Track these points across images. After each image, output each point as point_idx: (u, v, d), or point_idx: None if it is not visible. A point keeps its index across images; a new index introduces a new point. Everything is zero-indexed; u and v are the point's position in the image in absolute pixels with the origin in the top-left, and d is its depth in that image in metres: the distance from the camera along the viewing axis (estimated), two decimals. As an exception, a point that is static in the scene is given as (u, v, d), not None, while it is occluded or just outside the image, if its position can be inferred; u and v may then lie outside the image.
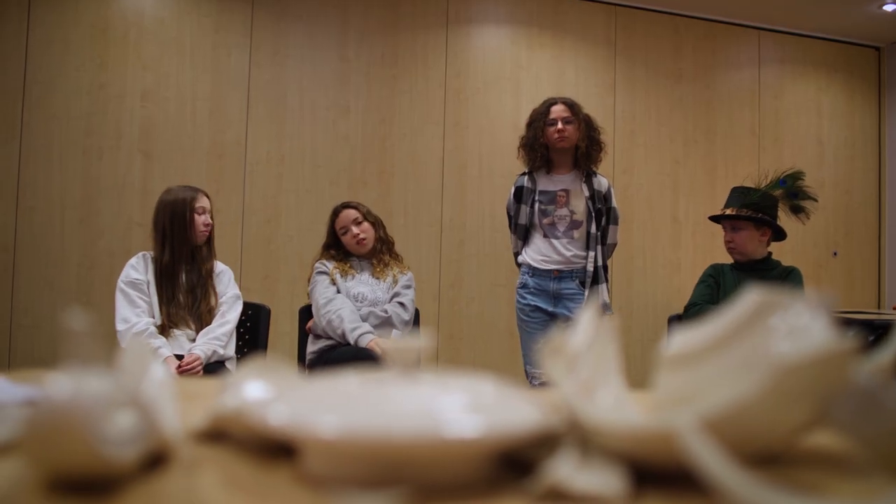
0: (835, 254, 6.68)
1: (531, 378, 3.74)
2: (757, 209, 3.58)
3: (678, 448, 0.43)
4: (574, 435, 0.50)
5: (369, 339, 3.45)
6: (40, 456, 0.42)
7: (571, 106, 3.77)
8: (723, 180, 6.39)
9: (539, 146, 3.79)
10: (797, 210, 3.71)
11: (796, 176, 3.72)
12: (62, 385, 0.41)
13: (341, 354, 3.44)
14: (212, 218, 3.47)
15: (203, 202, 3.42)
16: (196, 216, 3.38)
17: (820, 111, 6.76)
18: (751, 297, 0.53)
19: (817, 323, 0.51)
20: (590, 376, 0.57)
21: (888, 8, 6.17)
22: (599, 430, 0.48)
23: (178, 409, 0.57)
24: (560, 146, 3.74)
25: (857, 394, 0.48)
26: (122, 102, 5.09)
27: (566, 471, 0.45)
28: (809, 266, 6.45)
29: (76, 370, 0.43)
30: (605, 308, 3.73)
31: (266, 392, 0.57)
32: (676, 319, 3.95)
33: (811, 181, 6.50)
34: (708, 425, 0.45)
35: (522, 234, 3.86)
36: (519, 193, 3.87)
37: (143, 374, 0.56)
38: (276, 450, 0.53)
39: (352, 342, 3.45)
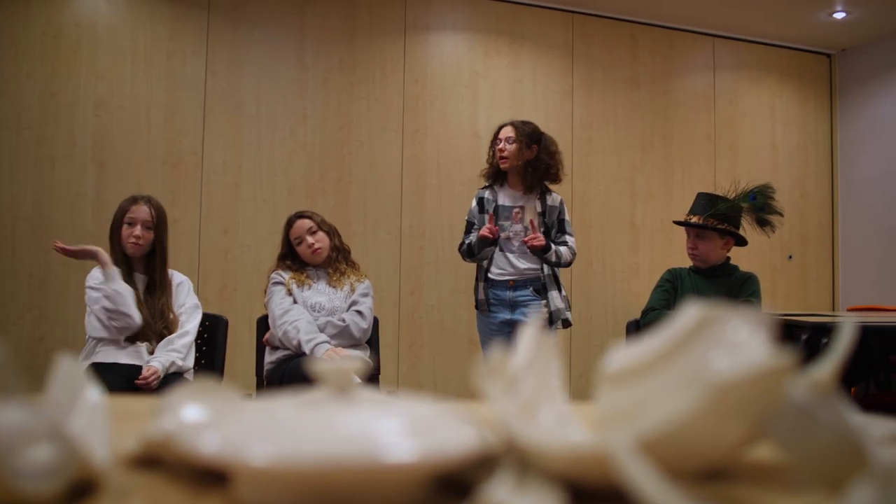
0: (790, 257, 6.78)
1: None
2: (723, 219, 3.61)
3: (613, 468, 0.42)
4: (512, 456, 0.50)
5: (325, 349, 3.43)
6: (-49, 492, 0.41)
7: (517, 127, 3.95)
8: (679, 185, 6.46)
9: (494, 164, 4.02)
10: (763, 223, 3.75)
11: (766, 193, 3.77)
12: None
13: (299, 365, 3.41)
14: (157, 231, 3.38)
15: (136, 213, 3.31)
16: (124, 226, 3.32)
17: (774, 116, 6.87)
18: (691, 312, 0.53)
19: (755, 338, 0.51)
20: (531, 395, 0.56)
21: (838, 16, 6.29)
22: (536, 450, 0.47)
23: (111, 434, 0.55)
24: (502, 165, 3.96)
25: (794, 409, 0.47)
26: (74, 111, 5.01)
27: (502, 493, 0.44)
28: (766, 269, 6.53)
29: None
30: (558, 315, 3.87)
31: (200, 416, 0.55)
32: (635, 324, 3.98)
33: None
34: (643, 444, 0.44)
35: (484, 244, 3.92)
36: (481, 203, 4.04)
37: (74, 398, 0.54)
38: (210, 477, 0.51)
39: (307, 353, 3.43)
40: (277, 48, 5.49)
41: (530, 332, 0.60)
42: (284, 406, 0.50)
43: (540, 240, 3.79)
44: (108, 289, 3.16)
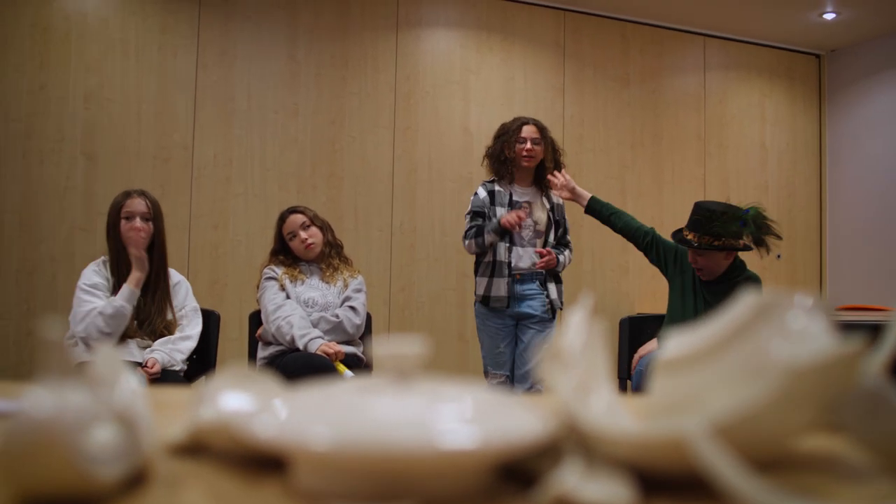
0: (778, 256, 6.80)
1: (490, 378, 3.99)
2: (719, 236, 3.53)
3: (689, 455, 0.41)
4: (575, 442, 0.49)
5: (319, 343, 3.42)
6: (18, 474, 0.39)
7: (542, 129, 4.02)
8: (669, 184, 6.48)
9: (505, 159, 3.99)
10: (760, 243, 3.67)
11: (758, 221, 3.65)
12: (42, 399, 0.38)
13: (292, 360, 3.40)
14: (155, 224, 3.33)
15: (133, 206, 3.27)
16: (123, 221, 3.28)
17: (763, 116, 6.89)
18: (747, 300, 0.52)
19: (816, 325, 0.50)
20: (583, 380, 0.55)
21: (828, 17, 6.31)
22: (605, 437, 0.46)
23: (153, 422, 0.54)
24: (525, 164, 3.98)
25: (864, 396, 0.47)
26: (64, 104, 4.97)
27: (573, 481, 0.43)
28: (754, 269, 6.48)
29: (54, 383, 0.40)
30: (557, 305, 4.06)
31: (248, 403, 0.54)
32: (626, 322, 4.00)
33: (755, 185, 6.64)
34: (717, 431, 0.43)
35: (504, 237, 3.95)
36: (493, 197, 4.01)
37: (116, 385, 0.53)
38: (263, 463, 0.50)
39: (301, 348, 3.41)
40: (269, 42, 5.45)
41: (580, 319, 0.59)
42: (343, 391, 0.49)
43: (553, 261, 3.91)
44: (122, 305, 3.15)
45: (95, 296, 3.20)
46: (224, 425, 0.51)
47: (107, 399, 0.43)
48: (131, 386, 0.55)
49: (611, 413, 0.56)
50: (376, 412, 0.45)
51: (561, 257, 4.01)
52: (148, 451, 0.48)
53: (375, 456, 0.42)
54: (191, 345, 3.33)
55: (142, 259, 3.20)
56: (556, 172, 3.96)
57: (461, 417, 0.45)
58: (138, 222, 3.26)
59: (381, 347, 0.49)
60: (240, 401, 0.54)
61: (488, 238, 3.90)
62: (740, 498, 0.39)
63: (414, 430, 0.43)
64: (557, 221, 4.07)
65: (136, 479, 0.46)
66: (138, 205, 3.28)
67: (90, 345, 3.11)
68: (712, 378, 0.51)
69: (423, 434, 0.43)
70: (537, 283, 3.97)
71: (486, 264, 3.97)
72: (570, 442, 0.49)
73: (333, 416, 0.45)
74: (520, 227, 3.87)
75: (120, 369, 0.56)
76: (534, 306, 3.95)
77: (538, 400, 0.59)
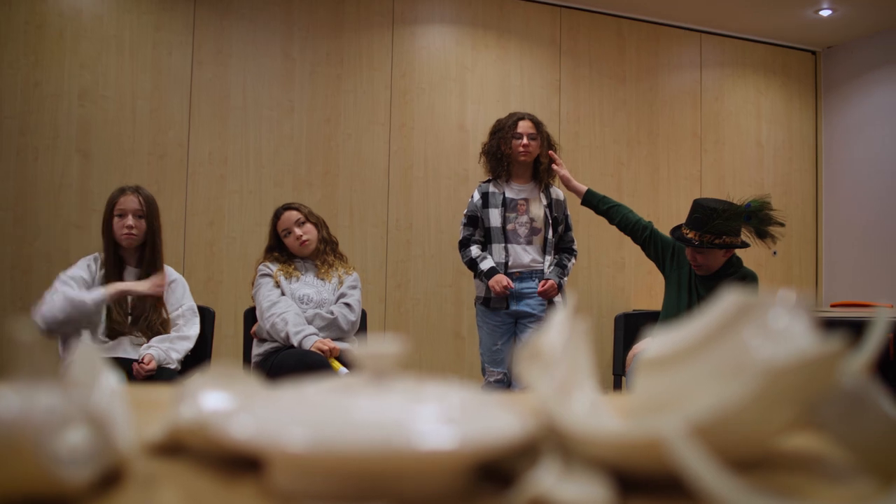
0: (774, 253, 6.81)
1: (487, 376, 4.02)
2: (720, 233, 3.52)
3: (666, 455, 0.41)
4: (553, 442, 0.49)
5: (313, 340, 3.42)
6: (-15, 477, 0.39)
7: (537, 124, 4.04)
8: (665, 181, 6.48)
9: (502, 155, 4.02)
10: (763, 235, 3.67)
11: (761, 213, 3.63)
12: (9, 401, 0.38)
13: (287, 357, 3.40)
14: (150, 221, 3.33)
15: (126, 204, 3.26)
16: (115, 218, 3.27)
17: (759, 113, 6.89)
18: (729, 300, 0.52)
19: (798, 325, 0.50)
20: (564, 379, 0.55)
21: (824, 14, 6.31)
22: (582, 437, 0.46)
23: (132, 421, 0.53)
24: (522, 160, 4.01)
25: (844, 396, 0.46)
26: (58, 101, 4.95)
27: (549, 481, 0.43)
28: (750, 265, 6.49)
29: (24, 384, 0.40)
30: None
31: (227, 402, 0.54)
32: (622, 319, 4.01)
33: (751, 182, 6.65)
34: (695, 431, 0.43)
35: (499, 238, 3.98)
36: (486, 199, 4.03)
37: (94, 384, 0.53)
38: (239, 464, 0.50)
39: (296, 345, 3.41)
40: (264, 40, 5.44)
41: (562, 317, 0.59)
42: (320, 391, 0.48)
43: (554, 289, 3.93)
44: (82, 300, 3.07)
45: (69, 286, 3.17)
46: (201, 425, 0.50)
47: (79, 399, 0.43)
48: (110, 385, 0.55)
49: (593, 413, 0.56)
50: (353, 412, 0.45)
51: (564, 279, 4.02)
52: (124, 452, 0.47)
53: (351, 456, 0.42)
54: (188, 345, 3.33)
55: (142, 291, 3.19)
56: (554, 155, 4.02)
57: (438, 417, 0.45)
58: (130, 220, 3.25)
59: (360, 347, 0.49)
60: (218, 400, 0.54)
61: (478, 278, 4.00)
62: (717, 498, 0.38)
63: (391, 430, 0.43)
64: (556, 218, 4.05)
65: (111, 480, 0.46)
66: (131, 202, 3.28)
67: (50, 332, 3.05)
68: (693, 377, 0.51)
69: (399, 434, 0.43)
70: (536, 281, 3.97)
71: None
72: (549, 442, 0.49)
73: (309, 416, 0.45)
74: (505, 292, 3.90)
75: (99, 368, 0.55)
76: (532, 305, 3.96)
77: (518, 399, 0.59)
